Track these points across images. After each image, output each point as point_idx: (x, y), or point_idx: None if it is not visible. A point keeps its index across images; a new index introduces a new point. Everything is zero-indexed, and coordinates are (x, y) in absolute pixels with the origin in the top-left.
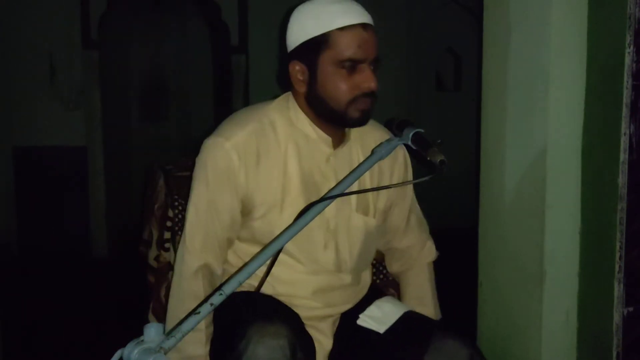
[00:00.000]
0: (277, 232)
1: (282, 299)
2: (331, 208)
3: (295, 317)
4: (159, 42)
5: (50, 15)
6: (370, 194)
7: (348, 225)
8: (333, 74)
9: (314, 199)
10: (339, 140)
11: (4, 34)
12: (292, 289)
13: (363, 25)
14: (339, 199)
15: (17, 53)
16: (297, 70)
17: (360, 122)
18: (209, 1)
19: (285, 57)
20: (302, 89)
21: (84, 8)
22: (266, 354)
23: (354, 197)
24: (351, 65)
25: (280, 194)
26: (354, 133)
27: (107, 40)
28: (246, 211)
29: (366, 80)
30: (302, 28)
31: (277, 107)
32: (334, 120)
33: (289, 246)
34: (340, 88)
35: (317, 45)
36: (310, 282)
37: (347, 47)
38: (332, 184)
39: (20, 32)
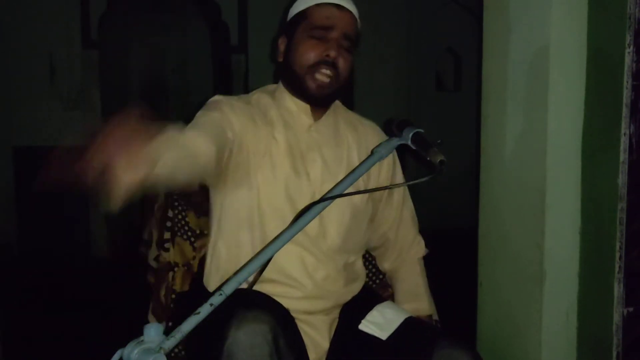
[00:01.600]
0: (264, 199)
1: (273, 288)
2: (316, 180)
3: (282, 308)
4: (159, 42)
5: (50, 15)
6: (360, 178)
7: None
8: (303, 40)
9: (299, 166)
10: (320, 112)
11: (4, 34)
12: (280, 272)
13: (337, 6)
14: (325, 176)
15: (17, 53)
16: (281, 43)
17: (317, 93)
18: (209, 1)
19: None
20: (281, 59)
21: (84, 8)
22: (247, 339)
23: (342, 173)
24: (321, 35)
25: (269, 156)
26: (342, 112)
27: (107, 40)
28: (236, 150)
29: (328, 49)
30: (292, 9)
31: (264, 89)
32: (297, 89)
33: (269, 209)
34: (305, 52)
35: (297, 19)
36: (296, 254)
37: (318, 18)
38: (316, 154)
39: (20, 32)
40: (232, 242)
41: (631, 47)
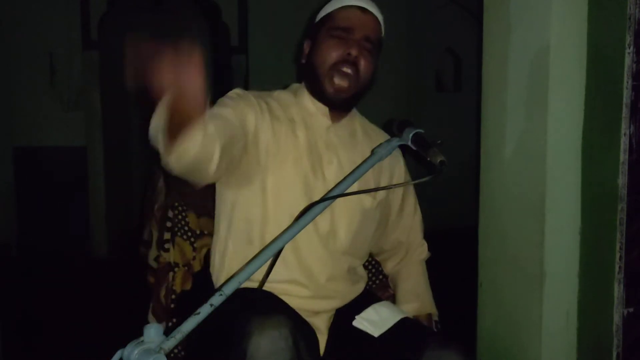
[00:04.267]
0: (281, 196)
1: (278, 286)
2: (331, 181)
3: (293, 311)
4: (158, 42)
5: (50, 15)
6: (372, 182)
7: (345, 198)
8: (325, 41)
9: (316, 166)
10: (338, 115)
11: (4, 34)
12: (287, 271)
13: (361, 9)
14: (340, 178)
15: (17, 53)
16: (306, 46)
17: (334, 97)
18: (209, 1)
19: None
20: (304, 60)
21: (84, 8)
22: (269, 346)
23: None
24: (343, 35)
25: (290, 152)
26: (359, 119)
27: (107, 40)
28: (250, 146)
29: (349, 47)
30: (319, 14)
31: (287, 89)
32: (316, 91)
33: (285, 206)
34: (327, 50)
35: (322, 22)
36: (303, 255)
37: (341, 19)
38: (332, 156)
39: (20, 32)
40: (244, 240)
41: (631, 48)
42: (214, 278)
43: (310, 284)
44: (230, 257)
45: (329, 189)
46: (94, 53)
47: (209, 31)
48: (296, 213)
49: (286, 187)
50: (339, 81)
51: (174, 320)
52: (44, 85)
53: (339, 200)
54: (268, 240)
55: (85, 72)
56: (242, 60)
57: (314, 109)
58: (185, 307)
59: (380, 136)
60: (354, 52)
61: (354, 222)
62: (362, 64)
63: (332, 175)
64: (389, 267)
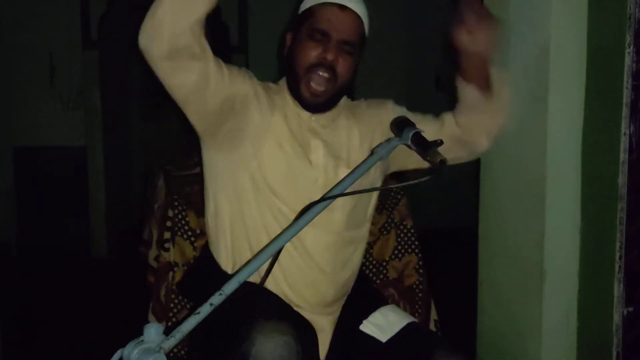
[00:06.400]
0: (267, 169)
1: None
2: (319, 166)
3: (295, 313)
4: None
5: (50, 15)
6: (359, 152)
7: (336, 179)
8: (305, 40)
9: (300, 152)
10: (318, 108)
11: (4, 34)
12: (279, 269)
13: (341, 7)
14: (328, 161)
15: (17, 53)
16: (288, 38)
17: (310, 101)
18: None
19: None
20: (286, 53)
21: (84, 8)
22: (272, 352)
23: (344, 153)
24: (321, 38)
25: (273, 134)
26: (344, 102)
27: (107, 40)
28: (240, 111)
29: (326, 51)
30: (302, 5)
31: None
32: (294, 91)
33: (276, 187)
34: (305, 52)
35: (304, 16)
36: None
37: (320, 19)
38: (317, 141)
39: (20, 32)
40: (234, 197)
41: (631, 47)
42: (211, 246)
43: (305, 287)
44: (225, 219)
45: (317, 174)
46: (94, 53)
47: (208, 31)
48: (278, 189)
49: (271, 162)
50: (315, 85)
51: (173, 312)
52: (44, 85)
53: (331, 186)
54: (260, 200)
55: (85, 72)
56: (242, 60)
57: (292, 102)
58: (196, 281)
59: (359, 102)
60: (329, 57)
61: (349, 200)
62: (340, 66)
63: (319, 160)
64: (461, 119)
